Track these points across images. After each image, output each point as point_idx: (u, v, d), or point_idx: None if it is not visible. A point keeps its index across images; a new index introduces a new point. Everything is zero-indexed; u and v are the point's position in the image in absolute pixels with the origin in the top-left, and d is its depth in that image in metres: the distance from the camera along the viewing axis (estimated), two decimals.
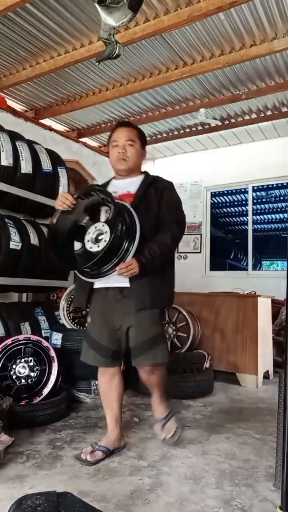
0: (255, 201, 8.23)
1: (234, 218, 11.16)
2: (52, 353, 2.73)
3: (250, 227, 6.46)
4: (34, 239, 3.45)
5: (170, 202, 2.17)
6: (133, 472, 1.93)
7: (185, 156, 6.90)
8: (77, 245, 2.07)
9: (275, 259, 13.42)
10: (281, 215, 10.73)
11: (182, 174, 6.89)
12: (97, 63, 2.62)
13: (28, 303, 3.99)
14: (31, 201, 3.64)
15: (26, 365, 2.66)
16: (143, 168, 2.30)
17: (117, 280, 1.98)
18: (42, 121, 5.32)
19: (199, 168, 6.73)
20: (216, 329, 4.17)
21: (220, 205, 9.80)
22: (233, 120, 5.50)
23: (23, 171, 3.50)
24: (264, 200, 9.61)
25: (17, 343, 2.70)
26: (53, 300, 4.25)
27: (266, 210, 10.39)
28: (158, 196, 2.13)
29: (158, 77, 4.32)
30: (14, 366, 2.64)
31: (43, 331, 3.54)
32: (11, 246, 3.22)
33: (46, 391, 2.63)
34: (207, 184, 6.71)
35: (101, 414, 2.80)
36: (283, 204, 9.84)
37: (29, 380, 2.63)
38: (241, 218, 10.90)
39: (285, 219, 10.98)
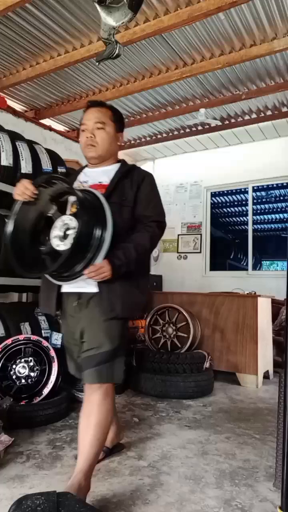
0: (255, 201, 8.23)
1: (234, 218, 11.17)
2: (52, 353, 2.73)
3: (250, 227, 6.46)
4: None
5: (149, 197, 1.86)
6: (133, 472, 1.93)
7: (185, 156, 6.91)
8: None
9: (275, 259, 13.41)
10: (281, 215, 10.73)
11: (182, 174, 6.90)
12: (97, 63, 2.62)
13: (28, 303, 3.99)
14: None
15: (26, 365, 2.65)
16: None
17: (83, 284, 1.69)
18: (42, 121, 5.32)
19: (199, 168, 6.73)
20: (216, 329, 4.17)
21: (220, 205, 9.80)
22: (233, 120, 5.50)
23: (23, 171, 3.49)
24: (264, 200, 9.61)
25: (17, 343, 2.70)
26: None
27: (266, 210, 10.39)
28: (135, 188, 1.83)
29: (158, 77, 4.32)
30: (14, 366, 2.63)
31: (43, 331, 3.53)
32: None
33: (46, 391, 2.63)
34: (207, 184, 6.71)
35: None
36: (283, 204, 9.85)
37: (29, 380, 2.63)
38: (241, 218, 10.91)
39: (285, 219, 10.98)
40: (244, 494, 1.74)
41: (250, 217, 6.46)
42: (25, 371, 2.64)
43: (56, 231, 1.63)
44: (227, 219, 11.22)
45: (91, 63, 4.10)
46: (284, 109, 5.13)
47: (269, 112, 5.23)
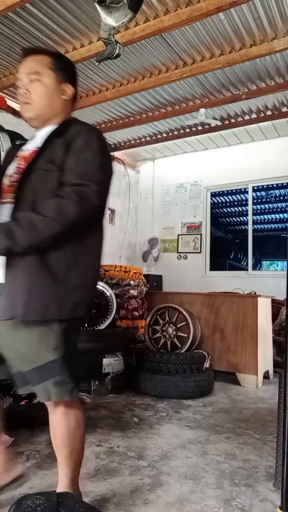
0: (255, 201, 8.24)
1: (234, 218, 11.17)
2: None
3: (250, 227, 6.46)
4: None
5: (77, 155, 1.38)
6: (133, 472, 1.93)
7: (185, 156, 6.91)
8: None
9: (275, 259, 13.42)
10: (281, 215, 10.73)
11: (182, 174, 6.90)
12: (97, 63, 2.62)
13: None
14: None
15: None
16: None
17: None
18: None
19: (199, 168, 6.73)
20: (216, 329, 4.17)
21: (220, 205, 9.80)
22: (233, 120, 5.50)
23: None
24: (264, 200, 9.61)
25: None
26: None
27: (266, 210, 10.39)
28: (65, 147, 1.40)
29: (158, 77, 4.32)
30: None
31: None
32: None
33: None
34: (207, 184, 6.71)
35: (101, 414, 2.81)
36: (283, 204, 9.85)
37: None
38: (241, 218, 10.91)
39: (285, 219, 10.98)
40: (244, 494, 1.74)
41: (250, 217, 6.46)
42: None
43: None
44: (227, 219, 11.22)
45: (91, 63, 4.10)
46: (284, 109, 5.12)
47: (269, 112, 5.23)
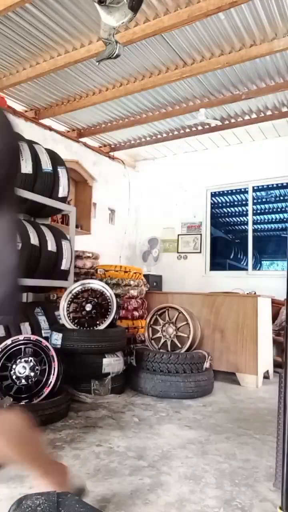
0: (255, 201, 8.22)
1: (234, 218, 11.16)
2: (52, 353, 2.73)
3: (250, 227, 6.46)
4: (34, 239, 3.45)
5: None
6: (133, 472, 1.93)
7: (185, 156, 6.91)
8: None
9: (275, 259, 13.40)
10: (281, 215, 10.72)
11: (182, 174, 6.90)
12: (97, 63, 2.62)
13: (28, 303, 3.99)
14: (31, 201, 3.64)
15: (26, 365, 2.65)
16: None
17: None
18: (42, 121, 5.32)
19: (199, 168, 6.74)
20: (216, 329, 4.17)
21: (220, 205, 9.79)
22: (233, 120, 5.51)
23: (23, 171, 3.50)
24: (264, 200, 9.61)
25: (17, 343, 2.70)
26: (53, 300, 4.25)
27: (266, 210, 10.38)
28: None
29: (158, 77, 4.32)
30: (14, 366, 2.63)
31: (43, 331, 3.54)
32: None
33: (46, 391, 2.63)
34: (207, 184, 6.72)
35: (101, 414, 2.81)
36: (283, 204, 9.84)
37: (29, 380, 2.63)
38: (241, 218, 10.90)
39: (285, 219, 10.97)
40: (244, 494, 1.74)
41: (250, 217, 6.46)
42: (25, 371, 2.63)
43: None
44: (227, 219, 11.21)
45: (91, 63, 4.10)
46: (284, 109, 5.13)
47: (269, 112, 5.24)
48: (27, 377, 2.63)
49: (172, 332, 3.72)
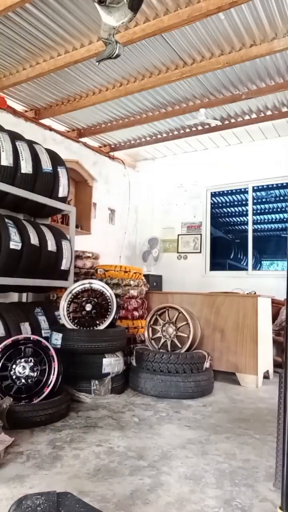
0: (255, 201, 8.22)
1: (234, 218, 11.16)
2: (52, 353, 2.73)
3: (250, 227, 6.46)
4: (34, 239, 3.45)
5: None
6: (133, 472, 1.93)
7: (185, 156, 6.91)
8: None
9: (275, 259, 13.40)
10: (281, 215, 10.72)
11: (182, 174, 6.91)
12: (97, 63, 2.62)
13: (28, 303, 3.99)
14: (31, 201, 3.64)
15: (26, 365, 2.65)
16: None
17: None
18: (42, 121, 5.32)
19: (199, 168, 6.74)
20: (216, 329, 4.17)
21: (220, 205, 9.79)
22: (233, 120, 5.51)
23: (23, 171, 3.50)
24: (264, 200, 9.60)
25: (17, 343, 2.71)
26: (53, 300, 4.25)
27: (266, 210, 10.38)
28: None
29: (158, 77, 4.33)
30: (14, 366, 2.63)
31: (43, 331, 3.53)
32: (11, 246, 3.22)
33: (46, 391, 2.63)
34: (207, 184, 6.72)
35: (101, 414, 2.81)
36: (283, 204, 9.84)
37: (29, 380, 2.63)
38: (241, 218, 10.89)
39: (285, 219, 10.97)
40: (244, 494, 1.74)
41: (250, 217, 6.46)
42: (25, 371, 2.64)
43: None
44: (227, 219, 11.21)
45: (91, 63, 4.10)
46: (284, 109, 5.13)
47: (269, 112, 5.24)
48: (27, 377, 2.63)
49: (172, 332, 3.72)
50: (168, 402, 3.20)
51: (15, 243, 3.25)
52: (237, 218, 11.13)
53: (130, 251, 7.23)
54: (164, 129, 5.92)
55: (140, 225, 7.39)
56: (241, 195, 8.62)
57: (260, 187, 7.25)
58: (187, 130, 5.91)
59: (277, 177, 6.06)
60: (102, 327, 3.41)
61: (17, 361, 2.65)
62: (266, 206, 10.10)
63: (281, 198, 9.50)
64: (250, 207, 6.46)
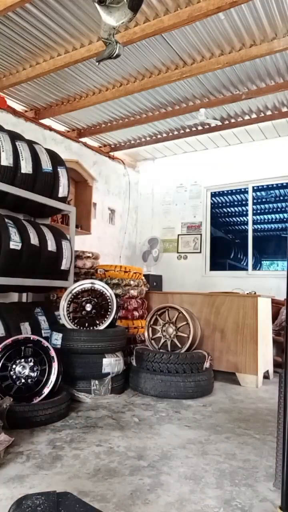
0: (255, 201, 8.23)
1: (234, 218, 11.17)
2: (52, 353, 2.73)
3: (250, 227, 6.46)
4: (34, 239, 3.45)
5: None
6: (133, 472, 1.93)
7: (185, 156, 6.91)
8: None
9: (275, 259, 13.40)
10: (281, 215, 10.72)
11: (182, 174, 6.91)
12: (97, 63, 2.62)
13: (28, 303, 3.99)
14: (31, 201, 3.64)
15: (26, 365, 2.66)
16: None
17: None
18: (42, 121, 5.32)
19: (199, 168, 6.74)
20: (216, 329, 4.17)
21: (220, 205, 9.80)
22: (233, 120, 5.51)
23: (23, 171, 3.50)
24: (264, 200, 9.61)
25: (17, 343, 2.70)
26: (53, 300, 4.25)
27: (266, 210, 10.39)
28: None
29: (158, 77, 4.33)
30: (14, 366, 2.63)
31: (43, 331, 3.54)
32: (11, 246, 3.22)
33: (46, 391, 2.63)
34: (207, 184, 6.72)
35: (101, 414, 2.81)
36: (283, 204, 9.84)
37: (29, 380, 2.63)
38: (241, 218, 10.90)
39: (285, 219, 10.98)
40: (244, 494, 1.74)
41: (250, 217, 6.46)
42: (25, 371, 2.64)
43: None
44: (227, 219, 11.22)
45: (91, 63, 4.10)
46: (284, 109, 5.13)
47: (269, 112, 5.24)
48: (27, 377, 2.63)
49: (172, 332, 3.72)
50: (168, 402, 3.20)
51: (15, 243, 3.25)
52: (237, 218, 11.14)
53: (130, 251, 7.24)
54: (164, 129, 5.92)
55: (140, 225, 7.40)
56: (241, 195, 8.63)
57: (260, 187, 7.25)
58: (187, 130, 5.91)
59: (277, 177, 6.06)
60: (102, 327, 3.41)
61: (17, 361, 2.65)
62: (266, 206, 10.10)
63: (281, 198, 9.50)
64: (250, 207, 6.46)
